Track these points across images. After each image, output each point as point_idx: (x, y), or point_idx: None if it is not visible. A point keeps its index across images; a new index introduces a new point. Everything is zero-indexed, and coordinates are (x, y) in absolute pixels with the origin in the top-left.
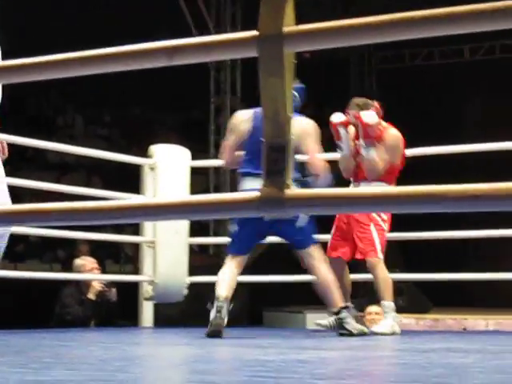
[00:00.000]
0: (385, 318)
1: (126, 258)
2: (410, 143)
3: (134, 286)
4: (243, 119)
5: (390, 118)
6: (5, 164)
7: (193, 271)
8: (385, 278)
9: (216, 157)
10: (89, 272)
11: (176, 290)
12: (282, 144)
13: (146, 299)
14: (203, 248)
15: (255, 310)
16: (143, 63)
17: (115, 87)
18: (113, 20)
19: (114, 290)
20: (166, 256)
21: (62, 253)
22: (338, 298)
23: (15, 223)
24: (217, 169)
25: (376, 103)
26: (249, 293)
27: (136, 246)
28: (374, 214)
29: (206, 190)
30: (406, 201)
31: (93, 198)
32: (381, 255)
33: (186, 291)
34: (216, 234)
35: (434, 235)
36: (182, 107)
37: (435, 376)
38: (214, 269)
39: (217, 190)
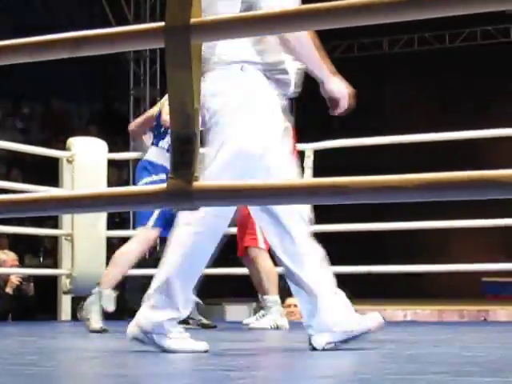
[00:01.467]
0: (268, 313)
1: (46, 251)
2: (330, 135)
3: (54, 280)
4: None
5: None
6: None
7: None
8: (268, 269)
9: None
10: (3, 265)
11: (94, 283)
12: (190, 135)
13: (65, 293)
14: (123, 241)
15: None
16: (47, 54)
17: (34, 79)
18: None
19: (31, 284)
20: (83, 249)
21: None
22: None
23: None
24: (136, 161)
25: None
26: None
27: (55, 240)
28: None
29: (127, 183)
30: (317, 193)
31: (12, 191)
32: (262, 245)
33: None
34: (135, 228)
35: (354, 227)
36: (102, 99)
37: (350, 367)
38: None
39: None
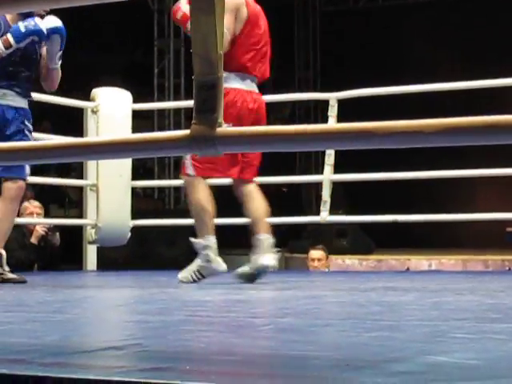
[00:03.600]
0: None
1: (71, 202)
2: (356, 85)
3: (79, 230)
4: None
5: (335, 61)
6: None
7: (136, 215)
8: (197, 202)
9: (160, 100)
10: (28, 216)
11: (119, 234)
12: (213, 82)
13: (90, 243)
14: (147, 192)
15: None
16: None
17: None
18: None
19: (57, 234)
20: (109, 199)
21: None
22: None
23: None
24: (160, 112)
25: None
26: (193, 236)
27: (80, 190)
28: None
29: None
30: (343, 137)
31: None
32: (191, 171)
33: (129, 235)
34: (160, 178)
35: (377, 176)
36: (126, 50)
37: (371, 313)
38: (158, 213)
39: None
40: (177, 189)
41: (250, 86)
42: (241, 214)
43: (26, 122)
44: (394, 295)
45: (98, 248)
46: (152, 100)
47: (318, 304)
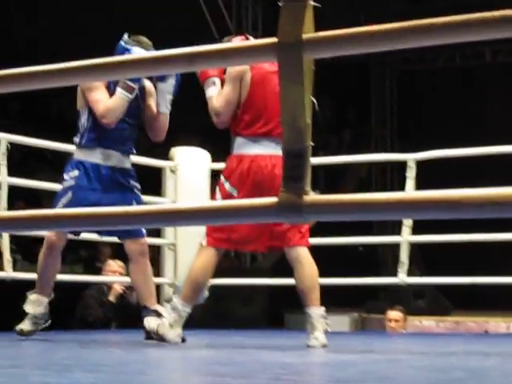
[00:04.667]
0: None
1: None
2: (434, 144)
3: (155, 288)
4: None
5: (411, 120)
6: (24, 165)
7: (215, 273)
8: (190, 269)
9: None
10: (109, 273)
11: None
12: (301, 150)
13: (167, 301)
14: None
15: (276, 312)
16: (163, 69)
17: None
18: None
19: (134, 293)
20: (186, 258)
21: (84, 254)
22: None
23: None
24: None
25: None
26: (269, 295)
27: (157, 249)
28: (217, 188)
29: None
30: (426, 207)
31: None
32: (204, 241)
33: (207, 293)
34: None
35: (455, 238)
36: (204, 109)
37: (454, 379)
38: (235, 271)
39: None
40: None
41: (270, 150)
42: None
43: (132, 182)
44: (475, 360)
45: None
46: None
47: (398, 368)
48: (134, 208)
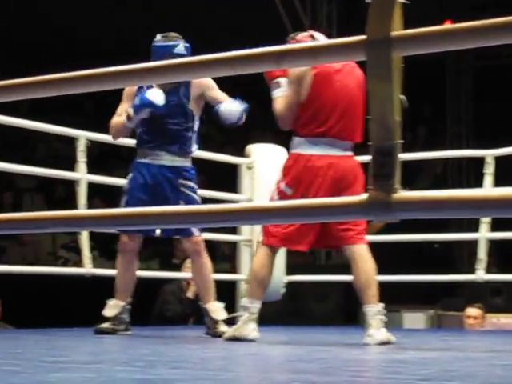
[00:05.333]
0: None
1: (223, 256)
2: (506, 141)
3: (231, 285)
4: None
5: (486, 115)
6: (101, 162)
7: (290, 270)
8: (252, 267)
9: None
10: (188, 270)
11: (274, 289)
12: (390, 148)
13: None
14: None
15: (351, 308)
16: (252, 68)
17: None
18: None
19: None
20: None
21: (160, 250)
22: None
23: (112, 227)
24: None
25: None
26: (344, 292)
27: (233, 245)
28: (273, 187)
29: None
30: None
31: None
32: (260, 238)
33: (283, 290)
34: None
35: None
36: None
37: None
38: (310, 268)
39: None
40: None
41: (327, 151)
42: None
43: (183, 181)
44: None
45: None
46: None
47: (479, 366)
48: (218, 207)
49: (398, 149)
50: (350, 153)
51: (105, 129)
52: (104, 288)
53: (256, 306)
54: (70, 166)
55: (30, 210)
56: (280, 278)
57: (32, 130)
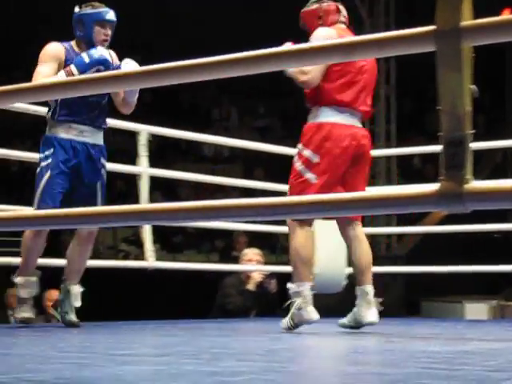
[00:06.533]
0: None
1: (282, 248)
2: None
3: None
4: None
5: None
6: (160, 156)
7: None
8: (293, 249)
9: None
10: (247, 262)
11: (335, 281)
12: (461, 138)
13: None
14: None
15: (412, 299)
16: (321, 60)
17: (269, 78)
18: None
19: (273, 281)
20: (325, 247)
21: (219, 243)
22: None
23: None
24: (373, 159)
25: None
26: (405, 283)
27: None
28: (295, 158)
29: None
30: None
31: (253, 189)
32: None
33: (345, 282)
34: (372, 225)
35: None
36: None
37: None
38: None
39: (373, 179)
40: (388, 236)
41: (349, 121)
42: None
43: (103, 160)
44: None
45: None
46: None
47: None
48: (264, 200)
49: (469, 139)
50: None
51: (163, 122)
52: (165, 281)
53: (307, 288)
54: (130, 159)
55: None
56: (341, 269)
57: None
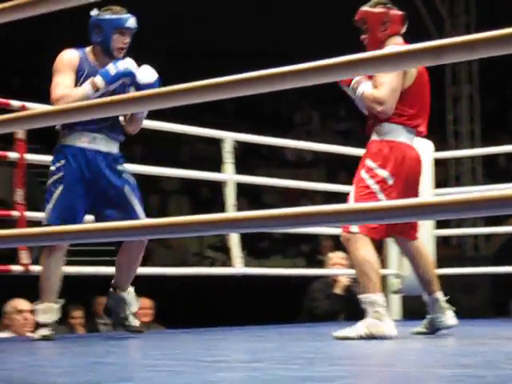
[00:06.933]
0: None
1: None
2: None
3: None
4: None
5: None
6: (243, 162)
7: (437, 263)
8: (361, 260)
9: (455, 147)
10: (333, 266)
11: None
12: None
13: (394, 292)
14: (445, 239)
15: (500, 300)
16: (409, 64)
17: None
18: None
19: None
20: None
21: (305, 247)
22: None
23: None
24: (457, 159)
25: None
26: (492, 284)
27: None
28: (364, 175)
29: (446, 181)
30: None
31: (336, 193)
32: (355, 228)
33: None
34: (459, 226)
35: None
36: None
37: None
38: (457, 260)
39: (458, 180)
40: (475, 236)
41: (412, 141)
42: None
43: (119, 167)
44: None
45: (402, 297)
46: (445, 146)
47: None
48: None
49: None
50: None
51: (245, 128)
52: (252, 287)
53: (382, 299)
54: (215, 166)
55: (176, 212)
56: None
57: (175, 132)
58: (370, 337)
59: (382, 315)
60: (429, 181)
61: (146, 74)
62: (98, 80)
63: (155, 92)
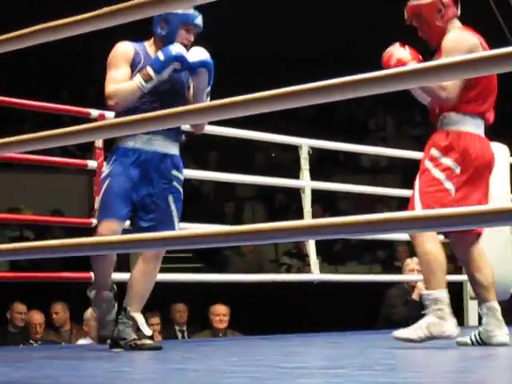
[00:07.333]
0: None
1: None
2: None
3: (458, 285)
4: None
5: None
6: (319, 169)
7: None
8: (427, 253)
9: None
10: (409, 272)
11: (503, 288)
12: None
13: (472, 298)
14: None
15: None
16: (497, 69)
17: None
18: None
19: None
20: (490, 254)
21: (381, 254)
22: None
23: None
24: None
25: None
26: None
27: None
28: (429, 164)
29: None
30: None
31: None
32: None
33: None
34: None
35: None
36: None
37: None
38: None
39: None
40: None
41: (480, 130)
42: None
43: (175, 172)
44: None
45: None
46: None
47: None
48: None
49: None
50: None
51: (320, 135)
52: (328, 293)
53: (446, 296)
54: (289, 173)
55: (251, 219)
56: (509, 275)
57: (249, 139)
58: (430, 338)
59: (445, 314)
60: (507, 185)
61: (197, 53)
62: (149, 70)
63: (231, 101)
